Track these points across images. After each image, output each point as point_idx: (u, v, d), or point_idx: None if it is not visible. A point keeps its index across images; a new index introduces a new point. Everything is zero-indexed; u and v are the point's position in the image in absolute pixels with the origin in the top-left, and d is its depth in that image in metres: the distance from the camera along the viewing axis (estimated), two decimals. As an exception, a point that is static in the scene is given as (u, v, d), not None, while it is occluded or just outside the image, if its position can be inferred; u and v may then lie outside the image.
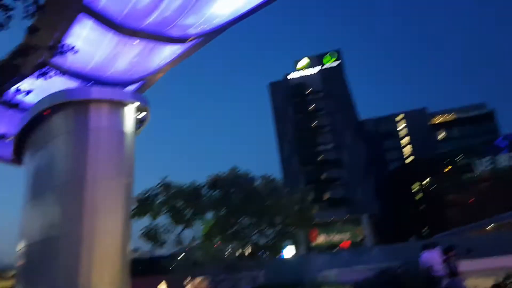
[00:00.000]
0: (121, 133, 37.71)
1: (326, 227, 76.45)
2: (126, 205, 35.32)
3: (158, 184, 27.89)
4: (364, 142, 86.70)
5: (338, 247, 73.06)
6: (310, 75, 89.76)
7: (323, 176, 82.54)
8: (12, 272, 55.19)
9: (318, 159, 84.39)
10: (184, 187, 28.57)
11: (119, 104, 38.25)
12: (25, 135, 41.33)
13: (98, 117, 36.94)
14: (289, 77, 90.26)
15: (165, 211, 27.79)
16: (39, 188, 38.95)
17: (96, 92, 37.77)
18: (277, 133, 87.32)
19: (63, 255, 33.60)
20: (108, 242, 34.17)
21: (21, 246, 39.83)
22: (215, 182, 28.20)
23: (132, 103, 39.36)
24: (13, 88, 36.26)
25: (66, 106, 37.11)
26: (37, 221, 37.53)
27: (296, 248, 61.41)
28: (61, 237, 34.01)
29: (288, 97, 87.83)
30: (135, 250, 44.31)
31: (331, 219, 76.19)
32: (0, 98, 32.07)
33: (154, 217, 27.67)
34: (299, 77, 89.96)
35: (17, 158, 46.18)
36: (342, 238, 79.03)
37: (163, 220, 27.60)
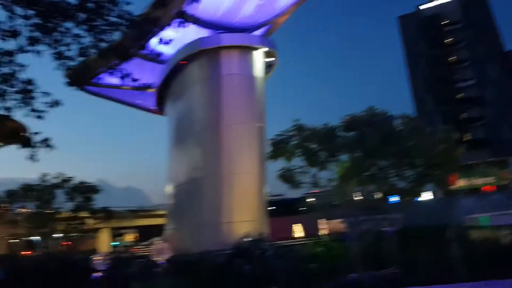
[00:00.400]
0: (251, 78, 38.67)
1: (466, 170, 70.42)
2: (260, 147, 36.53)
3: (291, 126, 27.55)
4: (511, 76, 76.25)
5: (479, 191, 67.26)
6: (447, 3, 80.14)
7: (463, 116, 75.28)
8: (161, 211, 61.55)
9: (457, 97, 76.82)
10: (317, 129, 27.77)
11: (249, 49, 39.04)
12: (165, 85, 44.60)
13: (229, 63, 38.25)
14: (421, 7, 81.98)
15: (299, 153, 27.48)
16: (181, 135, 42.18)
17: (226, 38, 38.81)
18: (409, 69, 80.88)
19: (206, 195, 36.46)
20: (246, 182, 36.09)
21: (169, 187, 44.04)
22: (351, 123, 26.79)
23: (261, 47, 39.88)
24: (153, 40, 38.68)
25: (200, 55, 39.00)
26: (181, 165, 41.00)
27: (434, 192, 57.98)
28: (204, 178, 36.87)
29: (421, 30, 80.00)
30: (270, 193, 46.04)
31: (471, 162, 69.87)
32: (142, 50, 34.50)
33: (289, 159, 27.62)
34: (433, 7, 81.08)
35: (160, 108, 50.30)
36: (485, 181, 72.32)
37: (298, 162, 27.47)
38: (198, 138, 38.20)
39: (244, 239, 19.62)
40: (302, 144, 29.70)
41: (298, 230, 45.65)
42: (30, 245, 44.22)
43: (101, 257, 15.20)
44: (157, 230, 52.24)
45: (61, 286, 12.36)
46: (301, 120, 28.61)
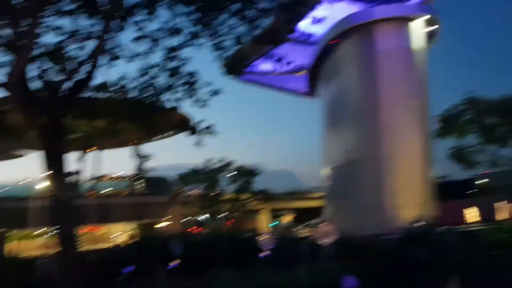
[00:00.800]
0: (409, 50, 35.66)
1: None
2: (424, 125, 33.71)
3: (463, 100, 24.24)
4: None
5: None
6: None
7: None
8: (315, 194, 61.73)
9: None
10: (495, 101, 23.96)
11: (405, 20, 35.97)
12: (317, 67, 43.89)
13: (384, 37, 35.75)
14: None
15: (473, 129, 24.11)
16: (335, 116, 41.19)
17: (380, 11, 36.28)
18: None
19: (365, 177, 34.98)
20: (409, 163, 33.59)
21: (325, 169, 43.56)
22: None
23: (419, 16, 36.42)
24: (304, 22, 38.40)
25: (352, 32, 37.30)
26: (337, 147, 40.03)
27: None
28: (362, 160, 35.39)
29: None
30: (437, 174, 41.94)
31: None
32: (293, 33, 34.24)
33: (460, 136, 24.46)
34: None
35: (312, 90, 49.95)
36: None
37: (471, 139, 24.20)
38: (354, 118, 36.84)
39: (415, 224, 18.08)
40: (476, 119, 26.16)
41: (472, 215, 40.88)
42: (199, 223, 48.46)
43: (267, 237, 15.43)
44: (312, 213, 52.53)
45: (232, 262, 12.80)
46: (475, 92, 25.07)
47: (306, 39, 39.52)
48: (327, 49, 40.20)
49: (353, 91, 37.50)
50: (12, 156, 61.01)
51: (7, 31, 9.62)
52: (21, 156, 59.75)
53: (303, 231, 42.82)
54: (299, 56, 43.70)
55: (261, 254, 14.95)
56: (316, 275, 11.22)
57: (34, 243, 40.85)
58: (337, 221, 37.48)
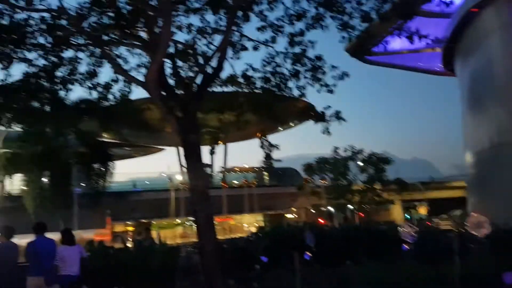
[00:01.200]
0: None
1: None
2: None
3: None
4: None
5: None
6: None
7: None
8: (453, 183, 57.19)
9: None
10: None
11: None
12: (453, 41, 39.84)
13: (537, 0, 31.25)
14: None
15: None
16: (477, 95, 37.08)
17: (533, -29, 31.71)
18: None
19: (515, 162, 30.96)
20: None
21: (467, 155, 39.64)
22: None
23: None
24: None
25: (495, -1, 33.31)
26: (481, 129, 36.12)
27: None
28: (510, 143, 31.43)
29: None
30: None
31: None
32: (428, 3, 31.24)
33: None
34: None
35: (447, 67, 45.79)
36: None
37: None
38: (501, 95, 32.65)
39: None
40: None
41: None
42: (328, 215, 47.68)
43: (408, 229, 14.33)
44: (450, 203, 48.58)
45: (369, 255, 12.11)
46: None
47: (441, 11, 35.98)
48: (466, 19, 36.22)
49: (499, 63, 33.34)
50: (153, 151, 67.57)
51: (142, 33, 10.09)
52: (161, 150, 65.73)
53: (442, 223, 39.72)
54: (432, 31, 40.30)
55: (403, 247, 13.94)
56: (469, 271, 9.94)
57: (173, 232, 44.21)
58: (483, 212, 33.81)
